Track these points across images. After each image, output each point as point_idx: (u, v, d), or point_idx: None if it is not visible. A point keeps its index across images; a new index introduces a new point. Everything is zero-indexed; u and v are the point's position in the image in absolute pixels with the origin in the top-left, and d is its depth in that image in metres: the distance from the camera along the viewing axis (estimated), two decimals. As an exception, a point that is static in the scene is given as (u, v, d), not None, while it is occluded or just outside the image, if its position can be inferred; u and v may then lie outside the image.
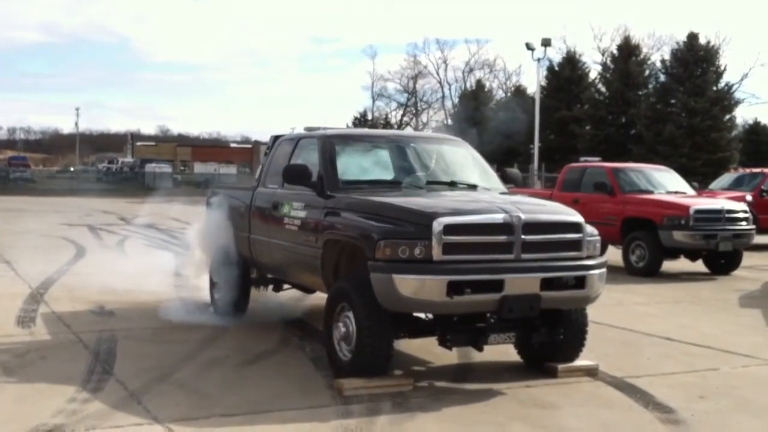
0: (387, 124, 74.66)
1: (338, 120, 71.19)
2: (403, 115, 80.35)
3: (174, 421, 5.75)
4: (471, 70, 76.72)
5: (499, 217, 6.58)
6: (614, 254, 15.06)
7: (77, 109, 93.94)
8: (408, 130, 65.45)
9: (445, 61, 78.24)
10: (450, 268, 6.35)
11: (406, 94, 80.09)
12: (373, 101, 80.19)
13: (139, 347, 8.12)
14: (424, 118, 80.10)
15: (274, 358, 7.89)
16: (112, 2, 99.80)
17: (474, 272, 6.41)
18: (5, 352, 7.80)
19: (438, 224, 6.36)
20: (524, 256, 6.59)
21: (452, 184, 7.99)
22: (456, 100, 75.20)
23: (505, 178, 8.58)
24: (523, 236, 6.56)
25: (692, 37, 48.98)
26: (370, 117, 76.52)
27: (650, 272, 14.89)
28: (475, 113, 61.10)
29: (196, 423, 5.77)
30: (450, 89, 78.57)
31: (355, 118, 75.22)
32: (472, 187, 8.05)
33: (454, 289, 6.29)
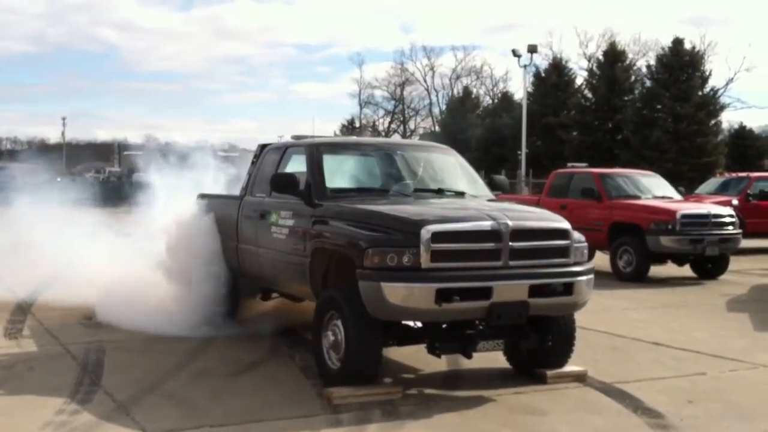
0: (374, 132, 74.67)
1: (326, 128, 71.18)
2: (390, 122, 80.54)
3: (163, 433, 5.74)
4: (458, 77, 77.00)
5: (486, 225, 6.59)
6: (602, 260, 15.11)
7: (64, 119, 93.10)
8: (395, 138, 65.54)
9: (432, 68, 78.51)
10: (438, 275, 6.36)
11: (393, 102, 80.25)
12: (361, 108, 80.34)
13: (128, 358, 8.09)
14: (411, 125, 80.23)
15: (263, 367, 7.88)
16: (99, 12, 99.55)
17: (462, 280, 6.42)
18: (-8, 364, 7.77)
19: (426, 232, 6.37)
20: (512, 263, 6.61)
21: (440, 192, 8.01)
22: (443, 107, 75.33)
23: (493, 185, 8.60)
24: (510, 243, 6.58)
25: (677, 43, 49.28)
26: (357, 124, 76.58)
27: (638, 277, 14.93)
28: (462, 120, 61.25)
29: (186, 434, 5.76)
30: (437, 96, 78.84)
31: (343, 126, 75.27)
32: (460, 194, 8.07)
33: (442, 296, 6.30)
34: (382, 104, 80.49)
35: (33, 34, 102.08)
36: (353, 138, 13.16)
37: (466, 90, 70.78)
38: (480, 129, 59.53)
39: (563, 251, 6.91)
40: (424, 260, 6.36)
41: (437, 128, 71.57)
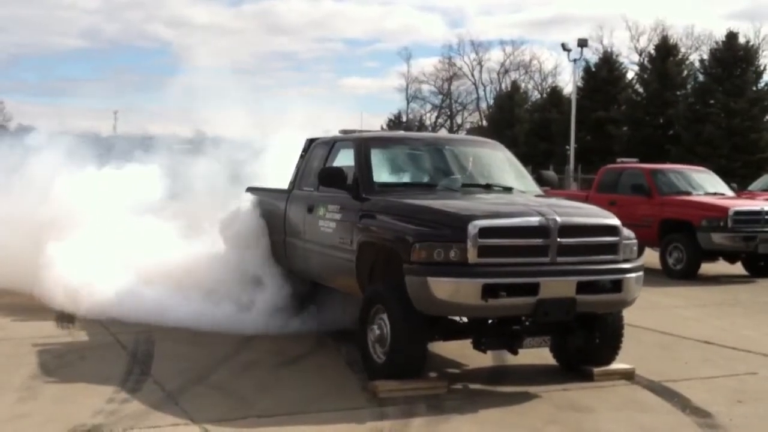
0: (422, 126, 74.51)
1: (373, 122, 71.12)
2: (437, 117, 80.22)
3: (210, 422, 5.80)
4: (506, 72, 76.28)
5: (534, 220, 6.55)
6: (652, 256, 14.93)
7: (115, 113, 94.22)
8: (443, 132, 65.34)
9: (480, 63, 77.85)
10: (485, 271, 6.34)
11: (440, 96, 79.93)
12: (408, 103, 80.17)
13: (176, 348, 8.20)
14: (458, 119, 79.89)
15: (309, 360, 7.93)
16: (152, 9, 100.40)
17: (509, 275, 6.40)
18: (45, 352, 7.93)
19: (473, 227, 6.35)
20: (560, 259, 6.56)
21: (487, 187, 7.98)
22: (491, 102, 74.87)
23: (541, 181, 8.55)
24: (558, 239, 6.53)
25: (731, 37, 48.32)
26: (404, 119, 76.47)
27: (688, 275, 14.73)
28: (510, 115, 60.82)
29: (233, 424, 5.82)
30: (485, 90, 78.20)
31: (390, 120, 75.21)
32: (508, 189, 8.02)
33: (489, 292, 6.29)
34: (429, 99, 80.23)
35: (88, 30, 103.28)
36: (401, 132, 13.15)
37: (515, 85, 70.11)
38: (528, 124, 59.08)
39: (612, 248, 6.84)
40: (471, 255, 6.34)
41: (485, 123, 71.15)
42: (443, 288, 6.30)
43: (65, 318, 9.53)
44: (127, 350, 8.09)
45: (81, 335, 8.84)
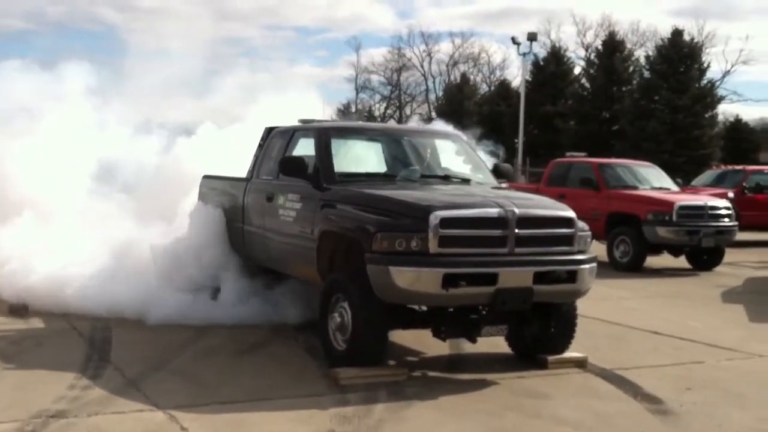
0: (370, 117, 74.49)
1: (322, 112, 70.72)
2: (386, 108, 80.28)
3: (175, 408, 5.83)
4: (455, 64, 76.66)
5: (493, 211, 6.69)
6: (598, 249, 15.20)
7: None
8: (391, 123, 65.42)
9: (429, 54, 78.11)
10: (445, 260, 6.47)
11: (389, 87, 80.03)
12: (357, 93, 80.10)
13: (134, 335, 8.20)
14: (407, 110, 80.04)
15: (268, 347, 7.99)
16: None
17: (469, 265, 6.53)
18: (0, 339, 7.86)
19: (434, 217, 6.47)
20: (518, 250, 6.71)
21: (446, 178, 8.10)
22: (440, 94, 75.23)
23: (498, 173, 8.69)
24: (517, 230, 6.68)
25: (677, 34, 49.26)
26: (354, 109, 76.39)
27: (634, 267, 15.06)
28: (460, 107, 61.19)
29: (197, 410, 5.86)
30: (434, 82, 78.52)
31: (339, 110, 75.09)
32: (466, 181, 8.16)
33: (449, 281, 6.41)
34: (378, 89, 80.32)
35: (32, 12, 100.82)
36: (361, 123, 13.23)
37: (464, 77, 70.52)
38: (477, 117, 59.52)
39: (568, 239, 7.03)
40: (432, 245, 6.46)
41: (434, 115, 71.41)
42: (404, 277, 6.41)
43: (19, 305, 9.41)
44: (85, 337, 8.07)
45: (36, 322, 8.77)
